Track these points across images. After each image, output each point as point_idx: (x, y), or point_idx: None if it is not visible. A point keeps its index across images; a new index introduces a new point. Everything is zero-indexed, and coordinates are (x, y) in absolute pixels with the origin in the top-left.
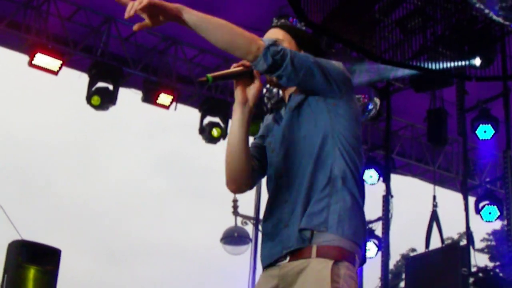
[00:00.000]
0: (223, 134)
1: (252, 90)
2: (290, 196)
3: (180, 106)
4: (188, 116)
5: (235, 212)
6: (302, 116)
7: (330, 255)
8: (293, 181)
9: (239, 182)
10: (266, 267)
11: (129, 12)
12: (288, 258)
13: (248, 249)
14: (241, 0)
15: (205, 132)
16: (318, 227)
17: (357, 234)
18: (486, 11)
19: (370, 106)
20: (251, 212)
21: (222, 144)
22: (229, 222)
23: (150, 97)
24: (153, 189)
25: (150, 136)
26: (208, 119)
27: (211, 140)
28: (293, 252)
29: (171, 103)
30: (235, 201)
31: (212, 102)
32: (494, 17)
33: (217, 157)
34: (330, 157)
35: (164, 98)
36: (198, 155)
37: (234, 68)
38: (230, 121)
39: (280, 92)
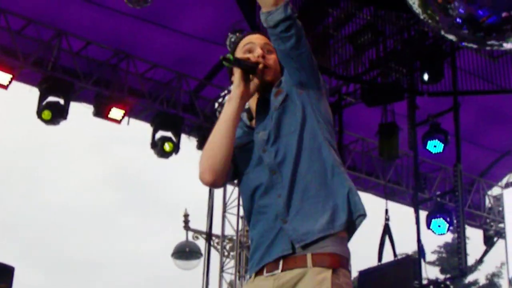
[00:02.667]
0: (175, 149)
1: (252, 85)
2: (284, 191)
3: (132, 121)
4: (140, 131)
5: (187, 227)
6: (287, 113)
7: (327, 264)
8: (288, 177)
9: (218, 173)
10: (256, 274)
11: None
12: (281, 266)
13: (199, 264)
14: (195, 11)
15: (157, 146)
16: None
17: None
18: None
19: None
20: (202, 227)
21: (174, 158)
22: (181, 237)
23: (101, 111)
24: (104, 202)
25: (101, 150)
26: (160, 133)
27: (163, 154)
28: (286, 259)
29: (123, 117)
30: (186, 215)
31: (164, 116)
32: (442, 32)
33: (169, 171)
34: (323, 150)
35: (116, 112)
36: (150, 170)
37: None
38: (182, 135)
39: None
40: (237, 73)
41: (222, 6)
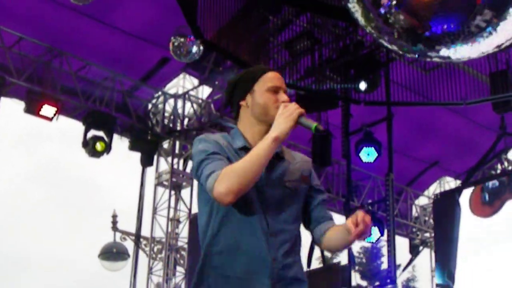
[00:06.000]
0: (107, 149)
1: None
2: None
3: (64, 119)
4: (71, 129)
5: (114, 228)
6: None
7: None
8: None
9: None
10: None
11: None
12: None
13: (126, 265)
14: (136, 8)
15: (89, 145)
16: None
17: None
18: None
19: None
20: (130, 228)
21: (105, 158)
22: (108, 238)
23: (33, 108)
24: (31, 201)
25: (30, 147)
26: (92, 132)
27: (95, 154)
28: None
29: (55, 115)
30: (114, 216)
31: (97, 115)
32: (384, 42)
33: (98, 171)
34: None
35: (48, 109)
36: (79, 169)
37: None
38: (114, 135)
39: None
40: (293, 123)
41: (165, 6)
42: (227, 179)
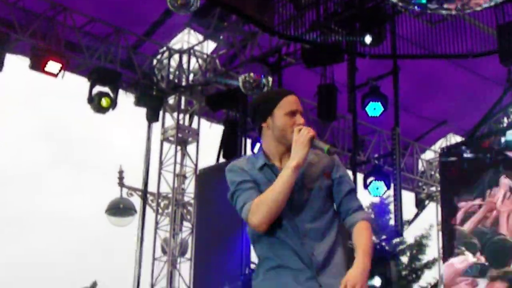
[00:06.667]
0: (112, 104)
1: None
2: None
3: (69, 75)
4: (77, 85)
5: (121, 184)
6: None
7: None
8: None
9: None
10: None
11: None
12: None
13: (133, 221)
14: None
15: (94, 101)
16: None
17: None
18: None
19: (263, 82)
20: (137, 184)
21: (111, 114)
22: (115, 194)
23: (38, 65)
24: (36, 157)
25: (36, 104)
26: (97, 88)
27: (100, 110)
28: None
29: (60, 71)
30: (120, 172)
31: (102, 71)
32: None
33: (104, 127)
34: None
35: (53, 65)
36: (85, 125)
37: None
38: (120, 91)
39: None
40: (307, 148)
41: None
42: (259, 211)
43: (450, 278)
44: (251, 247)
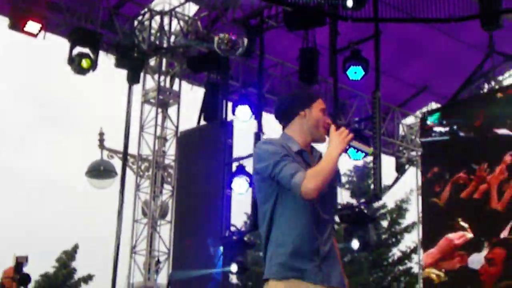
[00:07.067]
0: (93, 66)
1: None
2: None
3: (49, 35)
4: (57, 46)
5: (101, 146)
6: None
7: None
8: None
9: None
10: None
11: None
12: None
13: (113, 183)
14: None
15: (74, 62)
16: None
17: None
18: None
19: (238, 44)
20: (117, 147)
21: (91, 75)
22: (96, 156)
23: (17, 24)
24: (17, 118)
25: (15, 65)
26: (78, 49)
27: (80, 71)
28: None
29: (39, 31)
30: (101, 134)
31: (82, 32)
32: None
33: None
34: None
35: (32, 25)
36: (65, 87)
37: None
38: (100, 52)
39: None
40: (346, 144)
41: None
42: (315, 179)
43: (447, 252)
44: (231, 210)
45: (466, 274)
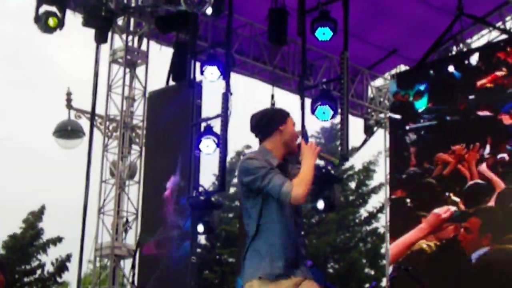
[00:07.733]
0: (60, 24)
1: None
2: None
3: None
4: (23, 4)
5: (69, 106)
6: None
7: None
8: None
9: None
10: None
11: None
12: None
13: (81, 143)
14: None
15: (41, 21)
16: None
17: None
18: None
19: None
20: (85, 107)
21: (59, 34)
22: (63, 116)
23: None
24: None
25: None
26: (44, 7)
27: (47, 29)
28: None
29: None
30: (68, 94)
31: None
32: None
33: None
34: None
35: None
36: (32, 46)
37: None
38: (67, 11)
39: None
40: (316, 157)
41: None
42: (301, 186)
43: (436, 225)
44: (199, 171)
45: (451, 243)
